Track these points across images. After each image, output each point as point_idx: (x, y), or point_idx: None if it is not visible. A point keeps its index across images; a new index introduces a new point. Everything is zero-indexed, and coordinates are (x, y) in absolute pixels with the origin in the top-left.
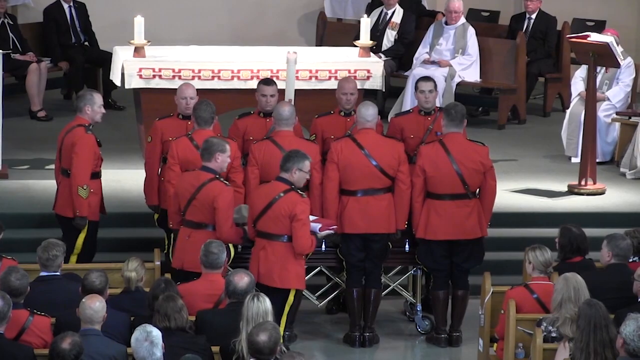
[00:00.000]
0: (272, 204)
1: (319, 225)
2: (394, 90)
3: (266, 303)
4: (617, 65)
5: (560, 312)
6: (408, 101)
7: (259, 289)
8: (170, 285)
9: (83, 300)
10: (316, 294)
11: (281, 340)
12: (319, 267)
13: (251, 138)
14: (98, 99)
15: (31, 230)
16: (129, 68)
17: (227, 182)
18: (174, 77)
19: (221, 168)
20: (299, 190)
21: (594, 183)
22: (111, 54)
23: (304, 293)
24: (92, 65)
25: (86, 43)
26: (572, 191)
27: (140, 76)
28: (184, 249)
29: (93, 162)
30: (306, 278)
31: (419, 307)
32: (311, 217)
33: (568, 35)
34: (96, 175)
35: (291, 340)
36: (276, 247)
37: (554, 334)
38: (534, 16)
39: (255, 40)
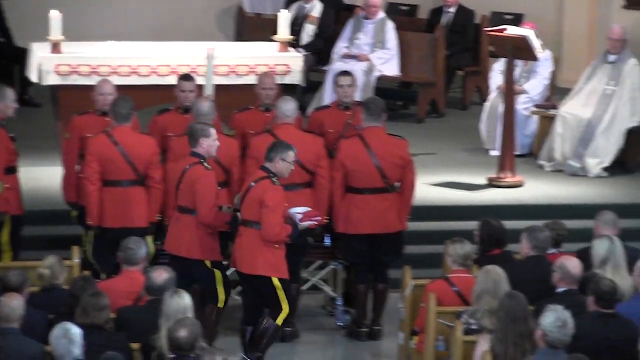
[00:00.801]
0: (248, 191)
1: (300, 216)
2: (313, 84)
3: (185, 299)
4: (535, 58)
5: (479, 304)
6: (327, 96)
7: (238, 276)
8: (89, 283)
9: (1, 298)
10: (237, 289)
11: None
12: None
13: (170, 134)
14: (10, 93)
15: None
16: (45, 64)
17: (208, 166)
18: (91, 73)
19: (208, 152)
20: (273, 179)
21: (513, 176)
22: (27, 50)
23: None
24: (8, 61)
25: (1, 39)
26: (491, 184)
27: (58, 72)
28: (172, 233)
29: (5, 156)
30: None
31: (339, 301)
32: (301, 209)
33: (486, 29)
34: (11, 170)
35: (294, 336)
36: (250, 233)
37: (473, 326)
38: (452, 10)
39: (174, 36)
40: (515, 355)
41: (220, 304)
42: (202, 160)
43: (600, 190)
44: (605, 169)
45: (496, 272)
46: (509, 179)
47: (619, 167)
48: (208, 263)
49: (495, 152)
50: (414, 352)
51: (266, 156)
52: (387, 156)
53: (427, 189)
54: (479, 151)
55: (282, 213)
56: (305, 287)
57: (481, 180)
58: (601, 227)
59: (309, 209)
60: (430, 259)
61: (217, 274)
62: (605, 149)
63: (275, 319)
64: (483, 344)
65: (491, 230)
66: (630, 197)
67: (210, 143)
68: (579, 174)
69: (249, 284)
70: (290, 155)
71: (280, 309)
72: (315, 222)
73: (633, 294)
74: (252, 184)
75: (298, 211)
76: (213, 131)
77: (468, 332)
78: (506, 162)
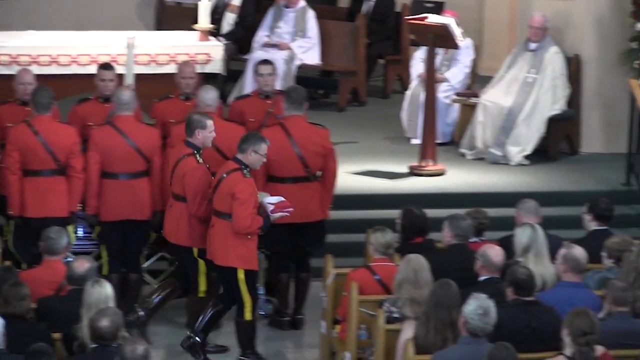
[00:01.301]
0: (220, 182)
1: (272, 207)
2: (233, 73)
3: (107, 289)
4: (456, 46)
5: (400, 293)
6: (248, 84)
7: (210, 266)
8: (10, 273)
9: None
10: (158, 279)
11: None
12: (160, 253)
13: (91, 124)
14: None
15: None
16: None
17: (200, 159)
18: (11, 62)
19: (203, 144)
20: (245, 171)
21: (435, 164)
22: None
23: (144, 278)
24: None
25: None
26: (412, 172)
27: None
28: (166, 219)
29: None
30: (146, 264)
31: (261, 291)
32: (273, 199)
33: (407, 17)
34: None
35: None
36: (222, 224)
37: (395, 315)
38: None
39: (94, 25)
40: (436, 341)
41: (201, 294)
42: (195, 152)
43: (521, 178)
44: (527, 157)
45: (417, 260)
46: (431, 167)
47: (540, 155)
48: (195, 251)
49: (416, 141)
50: (336, 341)
51: (239, 147)
52: (308, 145)
53: (348, 177)
54: (401, 140)
55: (253, 205)
56: (160, 277)
57: (403, 168)
58: (523, 216)
59: (282, 199)
60: (353, 248)
61: (201, 264)
62: (527, 137)
63: (242, 316)
64: (407, 332)
65: (413, 219)
66: (551, 185)
67: (206, 135)
68: (501, 162)
69: (220, 274)
70: (263, 147)
71: (242, 304)
72: (287, 214)
73: (555, 282)
74: (224, 175)
75: (271, 201)
76: (210, 123)
77: (390, 320)
78: (428, 150)
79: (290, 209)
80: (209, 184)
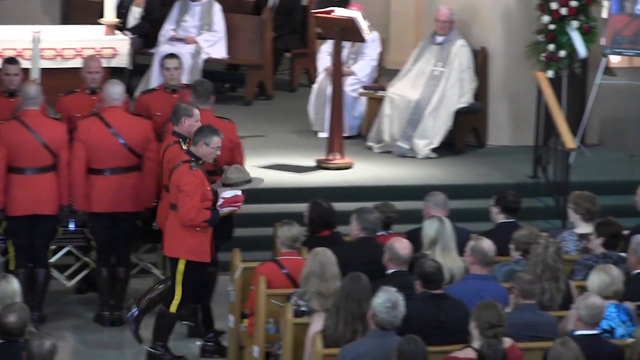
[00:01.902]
0: (172, 173)
1: (221, 201)
2: (140, 68)
3: (14, 284)
4: (363, 39)
5: (307, 287)
6: (154, 79)
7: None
8: None
9: None
10: (65, 274)
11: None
12: (68, 247)
13: None
14: None
15: None
16: None
17: (184, 147)
18: None
19: (189, 132)
20: (192, 164)
21: (342, 157)
22: None
23: (52, 273)
24: None
25: None
26: (320, 166)
27: None
28: (159, 210)
29: None
30: (54, 259)
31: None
32: (228, 193)
33: (313, 11)
34: None
35: (41, 320)
36: (172, 215)
37: (303, 308)
38: None
39: (0, 19)
40: (345, 334)
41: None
42: (181, 140)
43: (429, 171)
44: (434, 150)
45: (324, 254)
46: (338, 160)
47: (447, 148)
48: None
49: (323, 134)
50: (244, 335)
51: (192, 139)
52: None
53: (256, 171)
54: (308, 133)
55: (199, 197)
56: (134, 271)
57: (310, 162)
58: (431, 209)
59: (237, 193)
60: (260, 242)
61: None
62: (434, 130)
63: (168, 307)
64: (316, 325)
65: (321, 212)
66: (459, 178)
67: (192, 123)
68: (408, 155)
69: (171, 267)
70: (215, 141)
71: (173, 296)
72: (235, 209)
73: (464, 275)
74: (175, 166)
75: (225, 195)
76: (197, 112)
77: (298, 314)
78: (335, 144)
79: (239, 204)
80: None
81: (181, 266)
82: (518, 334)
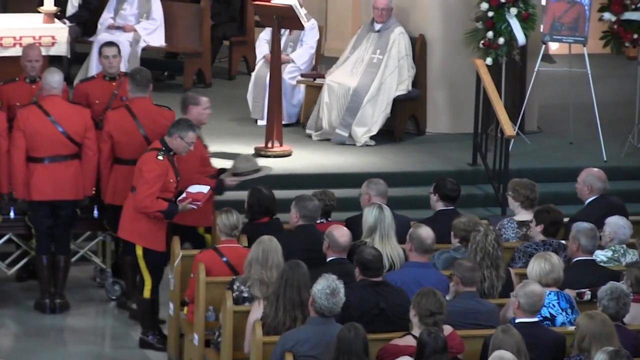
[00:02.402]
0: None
1: (184, 195)
2: (79, 56)
3: None
4: (301, 27)
5: (250, 273)
6: (93, 67)
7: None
8: None
9: None
10: (6, 262)
11: None
12: (8, 235)
13: None
14: None
15: None
16: None
17: (159, 158)
18: None
19: (198, 120)
20: (160, 153)
21: (281, 145)
22: None
23: None
24: None
25: None
26: (259, 154)
27: None
28: None
29: None
30: None
31: (109, 273)
32: (194, 189)
33: None
34: None
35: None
36: (130, 197)
37: (245, 294)
38: None
39: None
40: (285, 321)
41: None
42: (163, 150)
43: (368, 159)
44: (373, 137)
45: (269, 242)
46: (277, 148)
47: (386, 135)
48: (201, 230)
49: (262, 122)
50: (184, 322)
51: (168, 130)
52: (154, 127)
53: None
54: (247, 121)
55: (158, 187)
56: (74, 258)
57: (249, 150)
58: (370, 196)
59: (203, 191)
60: None
61: (208, 239)
62: (373, 117)
63: (142, 293)
64: (255, 313)
65: (261, 198)
66: (398, 165)
67: (200, 111)
68: (347, 143)
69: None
70: (190, 136)
71: (143, 281)
72: (194, 207)
73: (403, 263)
74: (144, 152)
75: (190, 190)
76: (205, 100)
77: (239, 300)
78: (274, 131)
79: (199, 203)
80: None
81: (139, 251)
82: (459, 322)
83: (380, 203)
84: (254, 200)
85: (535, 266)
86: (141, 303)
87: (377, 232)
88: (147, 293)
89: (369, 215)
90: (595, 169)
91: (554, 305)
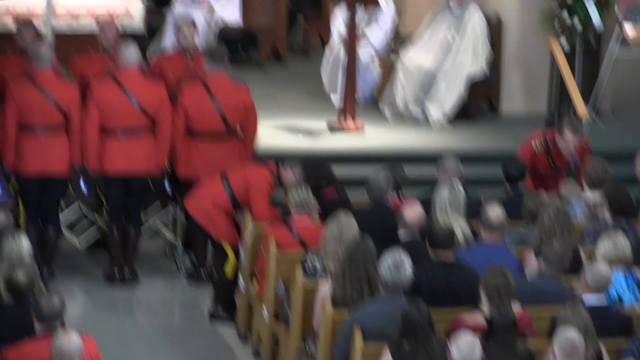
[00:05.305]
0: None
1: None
2: (153, 29)
3: (22, 242)
4: (378, 4)
5: (324, 248)
6: (168, 40)
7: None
8: None
9: None
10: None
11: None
12: (79, 208)
13: None
14: None
15: None
16: None
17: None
18: None
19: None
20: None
21: (354, 122)
22: None
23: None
24: None
25: None
26: (332, 129)
27: None
28: None
29: None
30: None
31: (179, 246)
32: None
33: None
34: None
35: (50, 275)
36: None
37: (318, 269)
38: None
39: None
40: (352, 296)
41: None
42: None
43: (441, 137)
44: (446, 115)
45: (345, 218)
46: (350, 124)
47: (460, 114)
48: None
49: (336, 98)
50: (254, 296)
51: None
52: (229, 101)
53: (268, 133)
54: (321, 97)
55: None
56: (146, 234)
57: (322, 125)
58: (443, 174)
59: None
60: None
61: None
62: (446, 96)
63: (221, 267)
64: (325, 288)
65: (312, 167)
66: (470, 144)
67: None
68: (420, 120)
69: None
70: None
71: (224, 257)
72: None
73: (474, 242)
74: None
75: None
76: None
77: (311, 273)
78: (348, 108)
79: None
80: None
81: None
82: (536, 301)
83: (452, 180)
84: (307, 172)
85: (603, 246)
86: (221, 278)
87: (449, 209)
88: (229, 271)
89: (441, 194)
90: None
91: (621, 286)
